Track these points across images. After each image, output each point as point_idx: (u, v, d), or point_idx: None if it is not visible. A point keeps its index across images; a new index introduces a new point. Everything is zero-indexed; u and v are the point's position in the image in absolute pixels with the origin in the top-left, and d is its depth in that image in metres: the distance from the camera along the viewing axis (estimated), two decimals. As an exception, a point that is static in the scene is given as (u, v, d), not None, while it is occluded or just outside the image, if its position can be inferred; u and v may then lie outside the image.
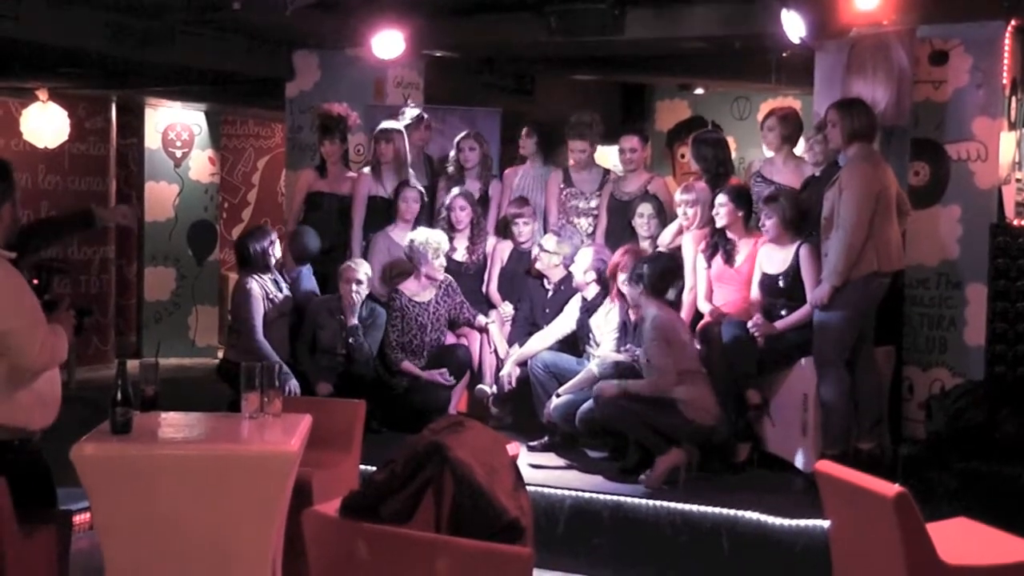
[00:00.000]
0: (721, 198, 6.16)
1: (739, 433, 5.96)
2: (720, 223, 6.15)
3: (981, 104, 6.36)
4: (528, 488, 4.17)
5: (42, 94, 9.59)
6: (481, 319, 6.96)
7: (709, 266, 6.25)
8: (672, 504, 5.40)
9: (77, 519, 4.41)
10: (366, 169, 7.43)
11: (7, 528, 3.64)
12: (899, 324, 6.39)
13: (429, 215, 7.28)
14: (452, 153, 7.42)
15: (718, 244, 6.20)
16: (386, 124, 7.34)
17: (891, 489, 3.48)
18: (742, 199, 6.17)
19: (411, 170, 7.36)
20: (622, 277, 6.14)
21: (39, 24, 6.58)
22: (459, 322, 6.97)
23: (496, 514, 3.41)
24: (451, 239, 7.01)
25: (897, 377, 6.34)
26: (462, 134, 7.41)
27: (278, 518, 3.83)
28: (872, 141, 5.71)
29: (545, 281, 6.86)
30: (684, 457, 5.73)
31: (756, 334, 5.86)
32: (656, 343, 5.66)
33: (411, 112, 7.56)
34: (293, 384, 6.38)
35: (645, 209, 6.64)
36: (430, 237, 6.80)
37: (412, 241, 6.80)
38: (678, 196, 6.56)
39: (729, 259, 6.17)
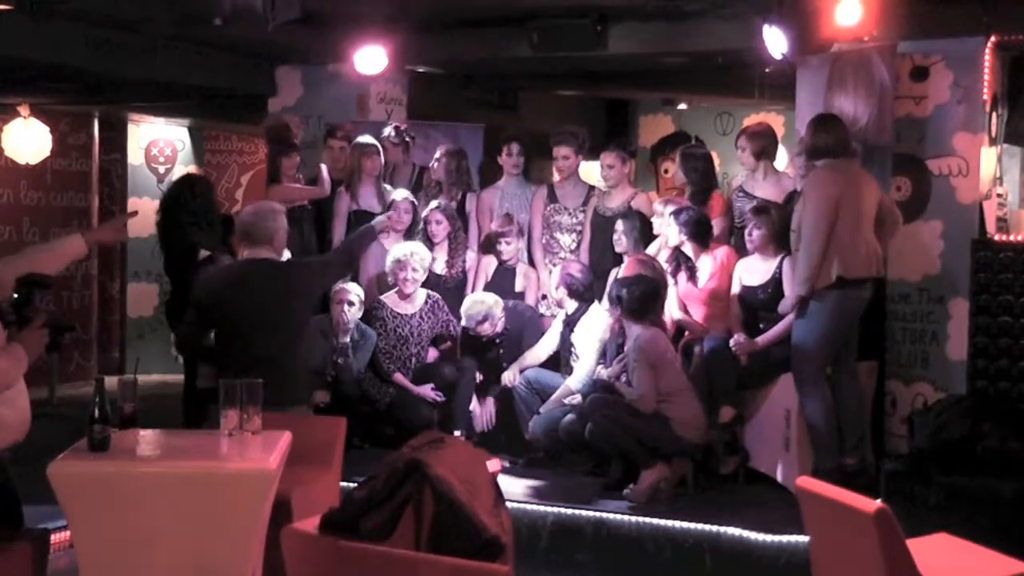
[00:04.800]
0: (671, 220, 6.27)
1: (726, 446, 5.97)
2: (672, 242, 6.28)
3: (962, 120, 6.39)
4: (510, 504, 4.16)
5: (24, 110, 9.54)
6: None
7: (676, 283, 6.29)
8: (655, 520, 5.40)
9: (55, 537, 4.37)
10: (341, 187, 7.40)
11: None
12: (881, 339, 6.41)
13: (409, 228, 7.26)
14: (433, 164, 7.41)
15: (680, 262, 6.25)
16: (365, 139, 7.32)
17: (871, 505, 3.47)
18: (691, 228, 6.21)
19: (387, 184, 7.36)
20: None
21: (19, 39, 6.55)
22: (443, 338, 6.95)
23: (476, 531, 3.39)
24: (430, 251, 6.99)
25: (880, 392, 6.36)
26: (442, 149, 7.40)
27: (257, 535, 3.79)
28: (839, 156, 5.74)
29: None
30: (668, 471, 5.74)
31: (737, 352, 5.88)
32: (639, 364, 5.67)
33: (389, 129, 7.55)
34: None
35: (620, 225, 6.65)
36: (414, 250, 6.78)
37: (402, 256, 6.74)
38: (656, 207, 6.62)
39: (692, 277, 6.23)
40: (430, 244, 7.04)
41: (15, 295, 3.85)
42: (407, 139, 7.63)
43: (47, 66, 7.22)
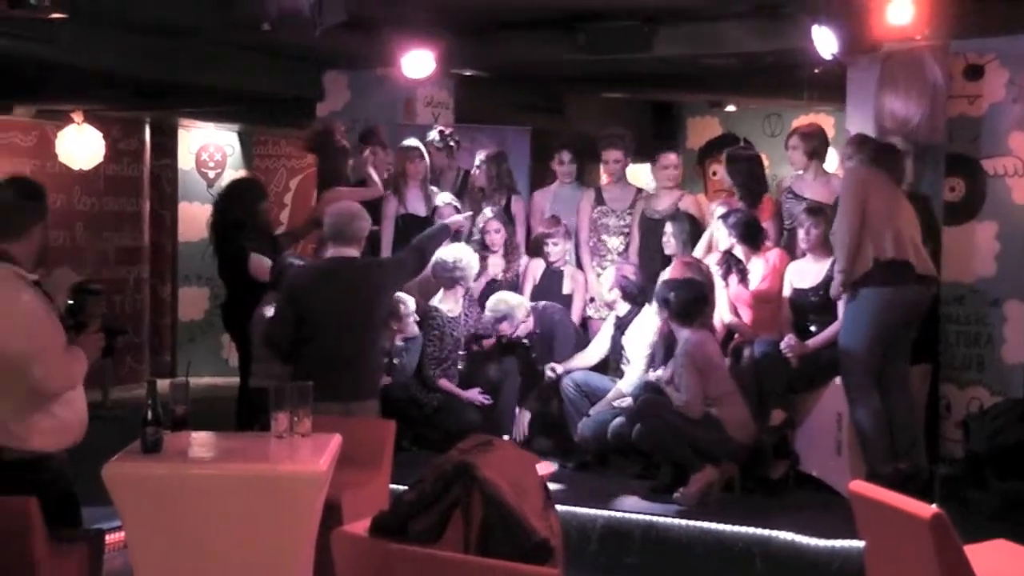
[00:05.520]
0: (719, 223, 6.26)
1: (776, 449, 5.92)
2: (722, 246, 6.26)
3: (1018, 118, 6.29)
4: (559, 507, 4.14)
5: (77, 116, 9.67)
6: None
7: (727, 285, 6.25)
8: (705, 524, 5.36)
9: (110, 538, 4.42)
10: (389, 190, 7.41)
11: (40, 547, 3.66)
12: (935, 342, 6.31)
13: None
14: (475, 171, 7.40)
15: (731, 265, 6.20)
16: (409, 142, 7.32)
17: (927, 510, 3.42)
18: (740, 230, 6.19)
19: (434, 188, 7.36)
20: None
21: (73, 47, 6.63)
22: (479, 336, 6.93)
23: (525, 534, 3.38)
24: (484, 259, 7.00)
25: (934, 395, 6.26)
26: (482, 155, 7.38)
27: (308, 538, 3.81)
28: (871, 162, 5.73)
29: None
30: (718, 474, 5.71)
31: (788, 355, 5.83)
32: (687, 369, 5.68)
33: (433, 133, 7.55)
34: None
35: (669, 228, 6.62)
36: (466, 255, 6.77)
37: (457, 260, 6.69)
38: (713, 209, 6.58)
39: (743, 280, 6.19)
40: (486, 251, 7.05)
41: (70, 302, 3.95)
42: (451, 143, 7.63)
43: (100, 73, 7.31)
